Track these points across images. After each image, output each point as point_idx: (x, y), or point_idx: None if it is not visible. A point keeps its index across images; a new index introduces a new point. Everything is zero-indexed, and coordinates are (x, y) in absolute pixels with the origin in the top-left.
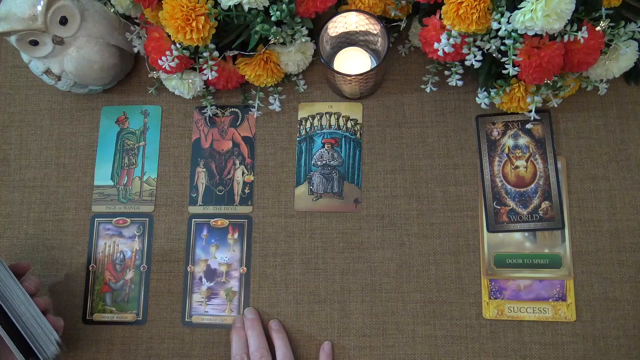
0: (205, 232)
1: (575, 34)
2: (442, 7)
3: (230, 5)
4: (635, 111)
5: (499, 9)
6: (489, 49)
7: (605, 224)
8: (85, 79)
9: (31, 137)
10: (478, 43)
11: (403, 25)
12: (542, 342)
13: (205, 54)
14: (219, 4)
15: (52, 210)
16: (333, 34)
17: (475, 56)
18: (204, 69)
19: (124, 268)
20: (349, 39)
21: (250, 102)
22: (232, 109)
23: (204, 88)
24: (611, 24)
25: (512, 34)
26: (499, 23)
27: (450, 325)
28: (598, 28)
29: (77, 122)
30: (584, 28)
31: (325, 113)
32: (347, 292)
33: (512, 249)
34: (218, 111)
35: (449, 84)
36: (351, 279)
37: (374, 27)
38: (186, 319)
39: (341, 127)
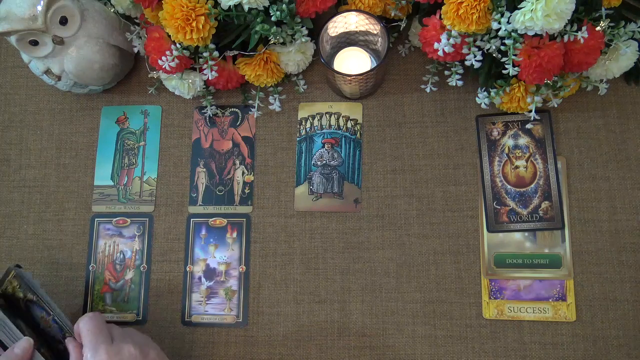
0: (203, 232)
1: (575, 34)
2: (442, 7)
3: (230, 5)
4: (635, 111)
5: (499, 9)
6: (489, 49)
7: (605, 224)
8: (85, 79)
9: (31, 137)
10: (478, 43)
11: (403, 25)
12: (542, 342)
13: (205, 54)
14: (219, 4)
15: (52, 210)
16: (333, 34)
17: (475, 56)
18: (204, 69)
19: (124, 268)
20: (349, 39)
21: (250, 102)
22: (232, 109)
23: (204, 88)
24: (611, 24)
25: (512, 34)
26: (499, 23)
27: (450, 325)
28: (598, 28)
29: (77, 122)
30: (584, 28)
31: (325, 113)
32: (347, 292)
33: (512, 249)
34: (218, 111)
35: (449, 84)
36: (351, 279)
37: (374, 27)
38: (186, 319)
39: (341, 127)
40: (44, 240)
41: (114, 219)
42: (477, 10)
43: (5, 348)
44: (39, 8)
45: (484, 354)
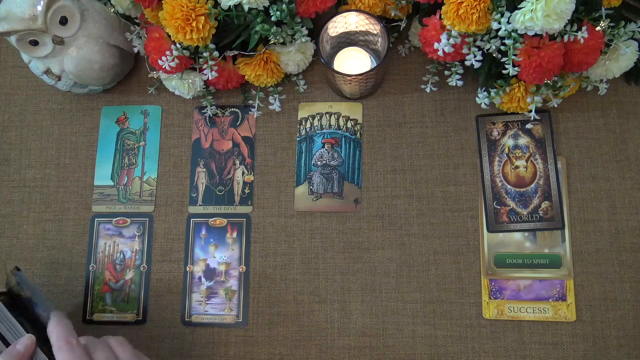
0: (203, 232)
1: (575, 34)
2: (442, 7)
3: (230, 5)
4: (635, 111)
5: (499, 9)
6: (489, 49)
7: (605, 224)
8: (85, 79)
9: (31, 137)
10: (478, 43)
11: (403, 25)
12: (542, 342)
13: (205, 54)
14: (219, 4)
15: (52, 210)
16: (333, 34)
17: (475, 56)
18: (204, 69)
19: (124, 268)
20: (349, 39)
21: (250, 102)
22: (232, 109)
23: (204, 88)
24: (611, 24)
25: (512, 34)
26: (499, 23)
27: (450, 325)
28: (598, 28)
29: (77, 122)
30: (584, 28)
31: (325, 113)
32: (347, 292)
33: (512, 249)
34: (218, 111)
35: (449, 84)
36: (351, 279)
37: (374, 27)
38: (186, 319)
39: (341, 127)
40: (44, 240)
41: (114, 219)
42: (477, 10)
43: (6, 344)
44: (39, 8)
45: (484, 354)
